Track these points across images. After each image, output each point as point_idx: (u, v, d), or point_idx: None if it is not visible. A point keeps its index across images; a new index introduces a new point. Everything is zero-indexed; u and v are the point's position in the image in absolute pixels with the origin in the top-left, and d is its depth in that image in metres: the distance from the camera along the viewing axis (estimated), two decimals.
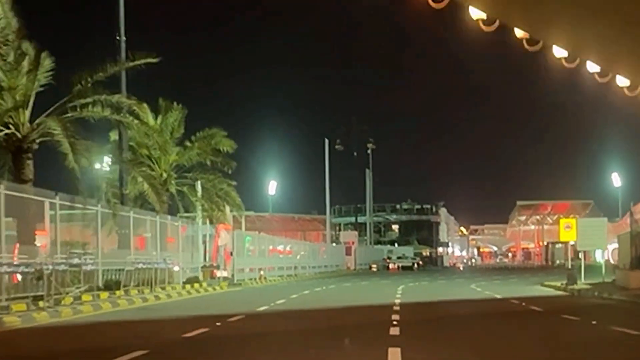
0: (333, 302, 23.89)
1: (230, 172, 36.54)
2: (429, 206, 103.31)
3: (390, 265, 77.60)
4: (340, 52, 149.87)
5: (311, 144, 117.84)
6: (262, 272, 42.47)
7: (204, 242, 36.04)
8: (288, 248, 53.46)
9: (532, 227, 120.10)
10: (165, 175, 34.45)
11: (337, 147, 79.48)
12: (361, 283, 40.70)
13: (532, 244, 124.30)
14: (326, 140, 72.47)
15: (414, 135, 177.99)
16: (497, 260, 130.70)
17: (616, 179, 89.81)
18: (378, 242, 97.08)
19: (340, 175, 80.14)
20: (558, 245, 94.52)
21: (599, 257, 43.82)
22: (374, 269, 71.74)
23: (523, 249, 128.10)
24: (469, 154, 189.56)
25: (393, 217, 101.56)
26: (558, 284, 32.98)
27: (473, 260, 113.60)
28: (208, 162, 35.91)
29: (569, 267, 35.47)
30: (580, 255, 44.21)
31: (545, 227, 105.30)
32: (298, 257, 54.94)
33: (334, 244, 75.90)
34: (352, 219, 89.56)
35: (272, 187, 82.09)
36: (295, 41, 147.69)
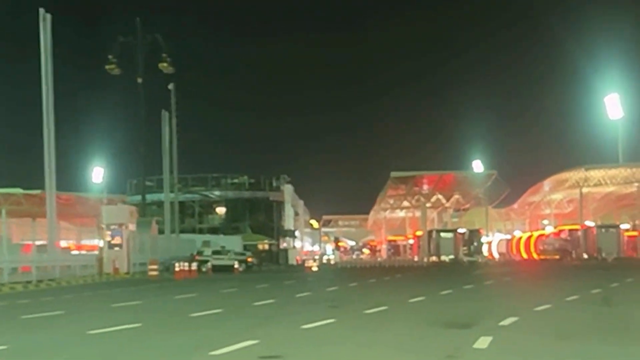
0: None
1: None
2: (268, 180, 73.50)
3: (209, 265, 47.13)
4: None
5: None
6: None
7: None
8: None
9: (403, 214, 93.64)
10: None
11: (108, 68, 47.75)
12: None
13: (402, 236, 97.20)
14: None
15: (253, 94, 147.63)
16: (354, 257, 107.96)
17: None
18: (193, 230, 66.84)
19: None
20: (446, 235, 67.54)
21: None
22: (153, 272, 39.81)
23: (390, 241, 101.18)
24: (323, 127, 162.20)
25: (216, 193, 70.78)
26: None
27: (331, 257, 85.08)
28: None
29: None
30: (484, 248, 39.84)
31: (429, 209, 78.04)
32: None
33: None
34: (159, 196, 58.49)
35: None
36: None
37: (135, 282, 32.14)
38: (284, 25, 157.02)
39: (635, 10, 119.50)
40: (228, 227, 69.00)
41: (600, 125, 76.00)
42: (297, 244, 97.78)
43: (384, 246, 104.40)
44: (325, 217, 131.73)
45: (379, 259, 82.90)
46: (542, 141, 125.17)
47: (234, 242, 59.10)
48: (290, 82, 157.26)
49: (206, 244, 56.62)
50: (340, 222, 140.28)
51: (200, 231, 67.79)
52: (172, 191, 56.90)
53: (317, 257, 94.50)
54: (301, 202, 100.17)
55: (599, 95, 75.67)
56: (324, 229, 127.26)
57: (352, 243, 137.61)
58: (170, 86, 55.35)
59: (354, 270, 50.53)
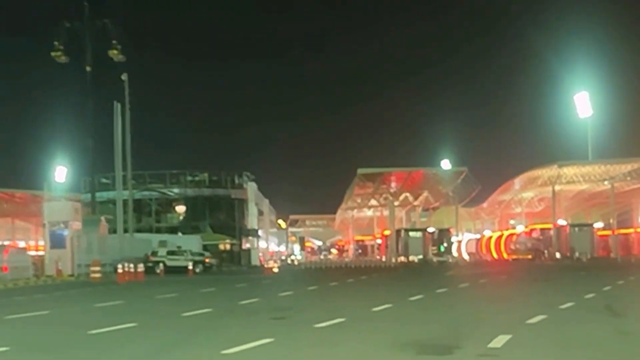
0: None
1: None
2: (230, 177, 70.09)
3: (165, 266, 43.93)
4: None
5: None
6: None
7: None
8: None
9: (371, 213, 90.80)
10: None
11: (54, 55, 44.22)
12: None
13: (370, 236, 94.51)
14: None
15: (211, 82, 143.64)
16: (322, 257, 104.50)
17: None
18: (150, 230, 63.25)
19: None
20: (414, 234, 64.84)
21: None
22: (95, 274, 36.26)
23: (357, 241, 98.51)
24: (291, 126, 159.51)
25: (175, 191, 67.17)
26: None
27: (297, 258, 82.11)
28: None
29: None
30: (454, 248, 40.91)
31: (397, 207, 75.34)
32: None
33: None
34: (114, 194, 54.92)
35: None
36: None
37: (71, 286, 28.81)
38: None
39: (603, 9, 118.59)
40: (187, 226, 65.39)
41: (570, 123, 74.81)
42: (262, 244, 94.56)
43: (352, 246, 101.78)
44: (292, 217, 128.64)
45: (346, 260, 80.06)
46: (512, 140, 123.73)
47: (192, 242, 55.57)
48: (256, 79, 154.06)
49: (162, 243, 53.17)
50: (307, 222, 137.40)
51: (158, 230, 64.16)
52: (125, 188, 53.34)
53: (283, 257, 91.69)
54: (266, 201, 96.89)
55: (569, 93, 74.60)
56: (291, 229, 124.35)
57: (320, 243, 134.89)
58: (124, 76, 51.75)
59: (318, 271, 47.68)
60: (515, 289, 23.54)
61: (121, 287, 27.98)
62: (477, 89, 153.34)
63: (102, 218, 46.95)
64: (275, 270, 43.73)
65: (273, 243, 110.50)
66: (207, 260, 49.55)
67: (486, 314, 13.92)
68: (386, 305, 15.39)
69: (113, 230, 50.78)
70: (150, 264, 46.45)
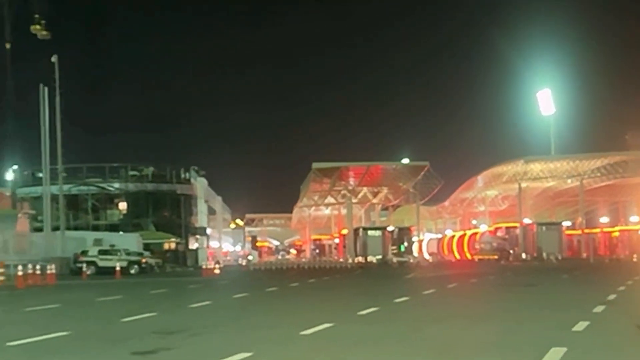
0: None
1: None
2: (175, 171, 65.29)
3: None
4: None
5: None
6: None
7: None
8: None
9: (328, 211, 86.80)
10: None
11: None
12: None
13: (327, 235, 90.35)
14: None
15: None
16: (279, 257, 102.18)
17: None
18: (88, 227, 58.45)
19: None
20: (373, 233, 60.87)
21: None
22: None
23: (314, 240, 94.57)
24: (244, 125, 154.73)
25: (115, 186, 62.19)
26: None
27: (248, 259, 77.71)
28: None
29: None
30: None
31: (356, 205, 71.38)
32: None
33: None
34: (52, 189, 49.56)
35: None
36: None
37: None
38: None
39: (565, 8, 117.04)
40: (129, 223, 60.57)
41: (533, 121, 74.03)
42: (214, 243, 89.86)
43: (309, 246, 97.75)
44: (248, 216, 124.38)
45: (303, 260, 75.90)
46: (475, 138, 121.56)
47: (130, 241, 50.93)
48: (204, 70, 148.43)
49: (97, 242, 48.53)
50: (265, 221, 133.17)
51: (96, 228, 59.35)
52: (54, 183, 48.16)
53: (240, 257, 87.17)
54: (219, 199, 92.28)
55: (532, 91, 73.92)
56: (249, 229, 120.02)
57: (277, 243, 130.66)
58: (54, 58, 46.69)
59: (266, 272, 43.66)
60: (498, 298, 18.31)
61: (7, 294, 23.04)
62: (439, 87, 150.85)
63: (21, 214, 41.84)
64: (217, 271, 39.06)
65: (228, 243, 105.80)
66: (144, 260, 44.86)
67: (470, 340, 9.57)
68: (325, 325, 10.98)
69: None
70: (79, 265, 41.83)
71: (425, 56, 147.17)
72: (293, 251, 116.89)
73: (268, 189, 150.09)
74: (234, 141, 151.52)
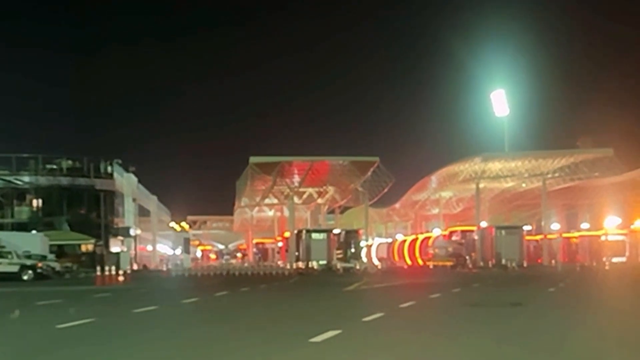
0: None
1: None
2: (94, 164, 58.42)
3: None
4: None
5: None
6: None
7: None
8: None
9: (272, 213, 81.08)
10: None
11: None
12: None
13: (271, 238, 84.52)
14: None
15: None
16: (224, 261, 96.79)
17: None
18: None
19: None
20: (317, 236, 55.18)
21: None
22: None
23: (257, 244, 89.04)
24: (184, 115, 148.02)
25: (25, 179, 55.32)
26: None
27: (176, 263, 71.54)
28: None
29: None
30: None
31: (300, 206, 65.72)
32: None
33: None
34: None
35: None
36: None
37: None
38: None
39: (519, 8, 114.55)
40: (40, 222, 53.67)
41: (487, 121, 71.49)
42: (149, 246, 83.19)
43: (252, 250, 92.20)
44: (190, 218, 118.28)
45: (246, 265, 70.28)
46: (428, 138, 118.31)
47: (33, 242, 44.19)
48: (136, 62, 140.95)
49: None
50: (208, 223, 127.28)
51: (2, 227, 52.27)
52: None
53: (178, 262, 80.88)
54: (154, 198, 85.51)
55: (485, 91, 71.54)
56: (193, 232, 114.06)
57: (222, 246, 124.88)
58: None
59: (190, 280, 38.29)
60: (474, 331, 11.53)
61: None
62: (394, 92, 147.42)
63: None
64: (120, 279, 32.43)
65: (166, 246, 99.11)
66: (39, 265, 38.06)
67: None
68: None
69: None
70: None
71: (380, 56, 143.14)
72: (240, 255, 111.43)
73: (210, 189, 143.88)
74: (171, 139, 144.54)
